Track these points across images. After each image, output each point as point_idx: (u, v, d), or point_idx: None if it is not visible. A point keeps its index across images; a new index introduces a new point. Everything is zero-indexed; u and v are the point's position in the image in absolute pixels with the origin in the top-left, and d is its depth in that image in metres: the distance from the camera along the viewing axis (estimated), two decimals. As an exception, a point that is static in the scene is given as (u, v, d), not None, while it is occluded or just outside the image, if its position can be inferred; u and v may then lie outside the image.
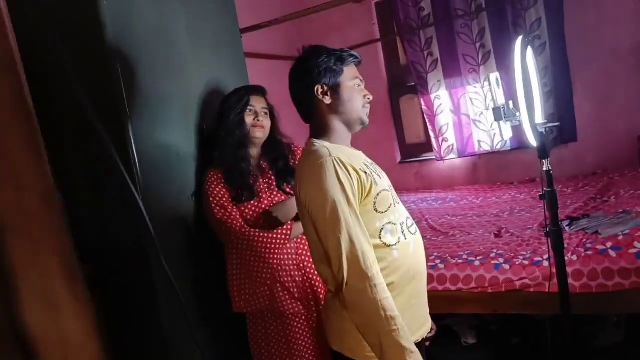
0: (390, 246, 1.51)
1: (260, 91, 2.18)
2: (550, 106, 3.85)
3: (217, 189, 2.08)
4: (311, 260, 2.12)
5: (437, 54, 4.26)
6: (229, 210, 2.05)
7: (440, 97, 4.32)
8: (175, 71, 2.13)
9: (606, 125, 3.92)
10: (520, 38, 1.48)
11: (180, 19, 2.24)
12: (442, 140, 4.37)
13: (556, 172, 1.65)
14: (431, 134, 4.42)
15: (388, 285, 1.46)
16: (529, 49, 1.49)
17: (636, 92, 3.76)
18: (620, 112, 3.87)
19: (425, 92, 4.35)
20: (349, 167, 1.47)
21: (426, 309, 1.68)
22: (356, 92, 1.58)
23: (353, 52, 1.60)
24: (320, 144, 1.53)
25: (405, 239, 1.56)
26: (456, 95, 4.30)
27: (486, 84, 4.10)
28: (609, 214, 2.82)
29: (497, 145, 4.22)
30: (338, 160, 1.45)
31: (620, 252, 2.34)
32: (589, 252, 2.41)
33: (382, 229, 1.51)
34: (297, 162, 2.19)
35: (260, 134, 2.12)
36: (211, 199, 2.07)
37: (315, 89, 1.54)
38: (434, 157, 4.47)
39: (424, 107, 4.40)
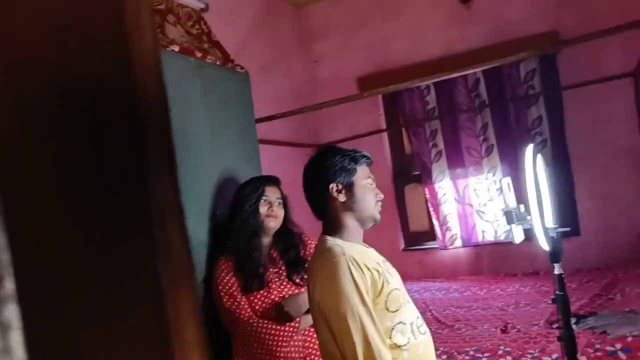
0: (401, 347, 1.50)
1: (274, 181, 2.24)
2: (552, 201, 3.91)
3: (227, 278, 2.09)
4: (318, 353, 2.09)
5: (441, 146, 4.39)
6: (238, 300, 2.06)
7: (444, 186, 4.41)
8: (192, 160, 2.21)
9: (607, 221, 3.97)
10: (530, 146, 1.56)
11: (200, 109, 2.35)
12: (446, 229, 4.41)
13: (563, 263, 1.67)
14: (435, 222, 4.47)
15: None
16: (539, 157, 1.56)
17: (635, 189, 3.84)
18: (621, 209, 3.93)
19: (429, 181, 4.44)
20: (363, 265, 1.49)
21: None
22: (369, 191, 1.63)
23: (365, 153, 1.66)
24: (333, 242, 1.56)
25: (416, 339, 1.55)
26: (460, 186, 4.38)
27: (490, 175, 4.20)
28: (616, 312, 2.81)
29: (500, 235, 4.25)
30: (352, 259, 1.47)
31: (630, 354, 2.32)
32: (599, 354, 2.38)
33: (393, 328, 1.51)
34: (306, 253, 2.22)
35: (274, 224, 2.16)
36: (220, 287, 2.08)
37: (331, 188, 1.59)
38: (438, 246, 4.49)
39: (428, 196, 4.47)
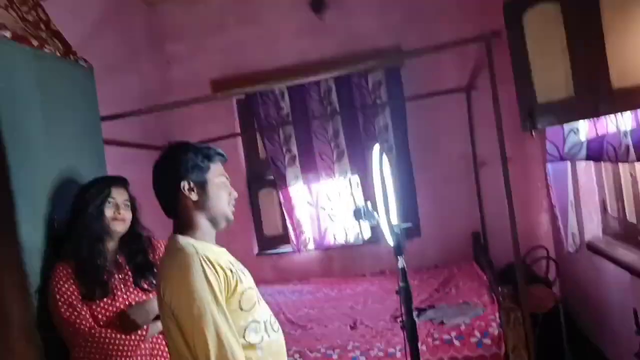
0: (254, 345, 1.50)
1: (121, 182, 2.11)
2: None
3: (66, 286, 1.93)
4: None
5: (295, 151, 4.47)
6: (78, 310, 1.90)
7: (298, 191, 4.49)
8: (25, 159, 2.01)
9: (444, 223, 4.33)
10: (377, 145, 1.64)
11: (35, 103, 2.15)
12: (300, 233, 4.50)
13: (406, 262, 1.79)
14: (289, 226, 4.53)
15: None
16: (385, 157, 1.65)
17: (467, 194, 4.23)
18: (455, 211, 4.31)
19: (283, 185, 4.50)
20: (216, 264, 1.46)
21: None
22: (222, 189, 1.60)
23: (219, 150, 1.63)
24: (185, 241, 1.51)
25: (269, 337, 1.56)
26: (313, 190, 4.49)
27: (341, 178, 4.37)
28: (452, 304, 3.06)
29: (350, 238, 4.43)
30: (205, 258, 1.45)
31: (463, 341, 2.54)
32: (437, 342, 2.58)
33: (247, 327, 1.50)
34: (156, 257, 2.12)
35: (121, 228, 2.04)
36: (58, 296, 1.91)
37: (182, 185, 1.54)
38: (291, 250, 4.56)
39: (282, 200, 4.53)
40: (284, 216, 4.57)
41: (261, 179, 4.78)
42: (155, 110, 2.54)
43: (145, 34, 4.51)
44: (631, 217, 2.73)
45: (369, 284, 4.08)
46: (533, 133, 2.36)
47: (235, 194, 1.63)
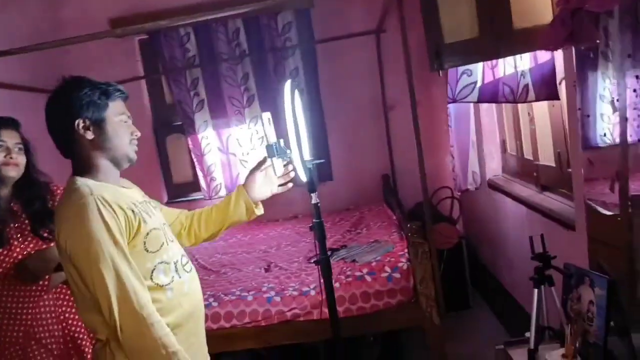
0: (164, 286, 1.47)
1: (12, 124, 1.93)
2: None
3: None
4: (74, 310, 1.92)
5: (203, 95, 4.32)
6: None
7: (208, 137, 4.37)
8: None
9: (355, 166, 4.41)
10: (289, 82, 1.61)
11: None
12: (211, 180, 4.41)
13: None
14: (199, 173, 4.43)
15: (168, 323, 1.42)
16: (296, 92, 1.62)
17: (377, 138, 4.31)
18: (366, 154, 4.39)
19: (192, 131, 4.36)
20: (114, 205, 1.40)
21: (205, 348, 1.66)
22: (122, 128, 1.51)
23: (119, 87, 1.54)
24: (82, 182, 1.43)
25: (180, 277, 1.53)
26: (223, 135, 4.39)
27: (252, 125, 4.29)
28: (362, 244, 3.15)
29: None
30: (101, 199, 1.38)
31: (374, 276, 2.63)
32: (349, 279, 2.65)
33: (155, 269, 1.46)
34: (55, 204, 1.99)
35: (14, 173, 1.87)
36: None
37: (76, 124, 1.45)
38: (203, 197, 4.47)
39: (191, 147, 4.40)
40: (194, 163, 4.45)
41: (168, 124, 4.60)
42: (44, 48, 2.32)
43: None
44: (528, 154, 2.91)
45: (282, 228, 4.11)
46: (440, 73, 2.41)
47: (138, 133, 1.55)
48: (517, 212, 2.86)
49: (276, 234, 4.00)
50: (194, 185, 4.59)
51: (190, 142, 4.39)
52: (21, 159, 1.90)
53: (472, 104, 3.13)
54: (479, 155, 3.36)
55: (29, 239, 1.89)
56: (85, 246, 1.34)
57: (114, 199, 1.42)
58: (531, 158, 2.85)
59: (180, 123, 4.46)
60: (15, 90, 3.20)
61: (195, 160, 4.42)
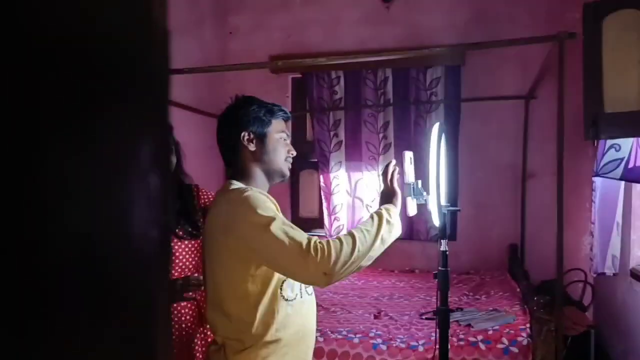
0: (288, 301, 1.51)
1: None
2: (437, 203, 4.12)
3: None
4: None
5: (342, 136, 4.45)
6: None
7: (339, 177, 4.48)
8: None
9: (482, 230, 4.24)
10: (437, 124, 1.61)
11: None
12: (334, 219, 4.48)
13: (436, 266, 1.74)
14: (325, 211, 4.52)
15: (277, 341, 1.47)
16: (443, 136, 1.61)
17: (510, 204, 4.13)
18: (495, 220, 4.22)
19: (325, 169, 4.49)
20: (273, 200, 1.51)
21: None
22: (281, 145, 1.63)
23: (283, 108, 1.68)
24: (239, 184, 1.56)
25: (302, 297, 1.56)
26: (353, 178, 4.47)
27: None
28: (480, 309, 2.99)
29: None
30: (260, 191, 1.50)
31: (489, 345, 2.48)
32: (462, 343, 2.52)
33: (285, 281, 1.50)
34: (202, 202, 2.12)
35: None
36: None
37: (242, 135, 1.58)
38: (324, 234, 4.55)
39: (322, 184, 4.52)
40: (322, 200, 4.56)
41: (305, 160, 4.78)
42: (212, 70, 2.55)
43: (211, 2, 4.55)
44: (683, 247, 2.62)
45: (397, 279, 4.03)
46: (595, 143, 2.28)
47: (293, 152, 1.67)
48: (663, 309, 2.56)
49: (390, 284, 3.93)
50: (318, 222, 4.69)
51: (322, 180, 4.52)
52: (172, 159, 2.00)
53: (623, 182, 2.91)
54: (623, 240, 3.08)
55: (180, 233, 1.96)
56: (260, 227, 1.39)
57: (269, 196, 1.53)
58: (687, 252, 2.56)
59: (315, 160, 4.61)
60: (180, 108, 3.53)
61: (323, 197, 4.53)
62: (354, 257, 1.38)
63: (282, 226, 1.39)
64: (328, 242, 1.38)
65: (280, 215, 1.44)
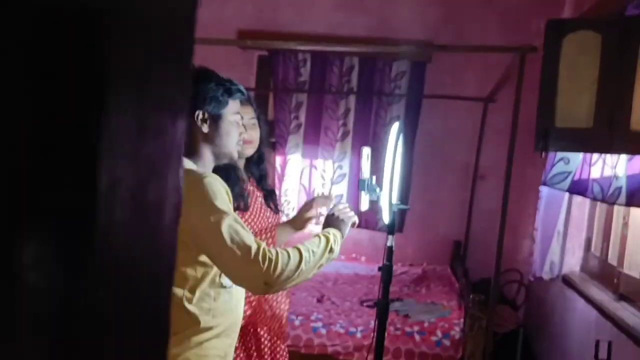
0: (226, 288, 1.47)
1: (247, 99, 1.86)
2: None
3: None
4: None
5: (302, 119, 4.47)
6: None
7: (294, 159, 4.50)
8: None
9: (429, 225, 4.37)
10: (397, 123, 1.65)
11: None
12: (285, 202, 4.51)
13: (382, 255, 1.80)
14: (277, 191, 4.54)
15: (211, 328, 1.42)
16: (401, 136, 1.66)
17: (459, 203, 4.27)
18: (443, 217, 4.35)
19: (282, 151, 4.50)
20: (224, 184, 1.44)
21: None
22: (234, 128, 1.55)
23: (241, 87, 1.57)
24: (190, 165, 1.47)
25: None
26: (309, 163, 4.51)
27: (338, 159, 4.37)
28: (419, 301, 3.10)
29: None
30: (212, 176, 1.42)
31: (424, 337, 2.58)
32: (398, 332, 2.62)
33: None
34: None
35: (250, 150, 1.89)
36: None
37: (196, 114, 1.47)
38: (275, 214, 4.57)
39: (277, 165, 4.53)
40: (274, 180, 4.58)
41: (263, 139, 4.77)
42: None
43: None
44: (612, 259, 2.78)
45: (343, 265, 4.12)
46: (542, 155, 2.38)
47: (245, 135, 1.60)
48: (587, 314, 2.72)
49: (335, 269, 4.01)
50: (270, 202, 4.71)
51: (277, 161, 4.53)
52: (255, 135, 1.89)
53: (567, 193, 3.05)
54: (561, 246, 3.24)
55: (263, 209, 1.92)
56: (211, 220, 1.34)
57: (222, 181, 1.45)
58: (615, 264, 2.72)
59: (273, 140, 4.61)
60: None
61: (276, 179, 4.55)
62: (296, 275, 1.37)
63: (233, 224, 1.35)
64: (277, 253, 1.35)
65: (232, 211, 1.39)
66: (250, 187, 1.91)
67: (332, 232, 1.55)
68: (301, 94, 4.45)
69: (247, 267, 1.33)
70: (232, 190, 1.68)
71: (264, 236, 1.77)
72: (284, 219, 4.32)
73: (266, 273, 1.32)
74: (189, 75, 0.39)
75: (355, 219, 1.71)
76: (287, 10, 4.49)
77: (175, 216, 0.40)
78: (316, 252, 1.44)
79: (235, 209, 1.72)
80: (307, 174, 4.53)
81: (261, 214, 1.91)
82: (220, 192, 1.39)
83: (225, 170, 1.74)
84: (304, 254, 1.40)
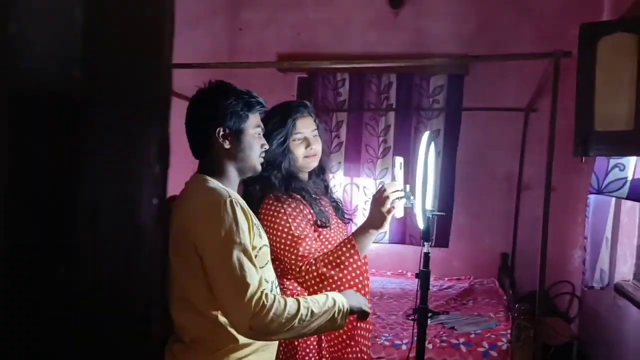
0: None
1: (307, 110, 1.87)
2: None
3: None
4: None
5: (343, 138, 4.53)
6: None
7: (337, 178, 4.55)
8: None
9: (475, 238, 4.32)
10: (427, 133, 1.69)
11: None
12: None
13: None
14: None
15: (253, 344, 1.43)
16: (432, 144, 1.69)
17: (504, 213, 4.21)
18: (488, 229, 4.30)
19: (330, 170, 4.55)
20: (247, 211, 1.44)
21: None
22: (256, 141, 1.54)
23: (261, 100, 1.55)
24: (216, 184, 1.48)
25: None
26: (351, 181, 4.55)
27: (381, 176, 4.40)
28: (466, 314, 3.07)
29: (377, 236, 4.46)
30: (237, 202, 1.41)
31: (470, 348, 2.56)
32: (444, 344, 2.60)
33: None
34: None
35: (315, 163, 1.85)
36: None
37: (217, 131, 1.47)
38: (320, 232, 4.62)
39: (320, 184, 4.59)
40: (320, 199, 4.64)
41: (306, 159, 4.85)
42: (220, 67, 2.63)
43: (224, -5, 4.63)
44: (666, 265, 2.69)
45: (388, 280, 4.12)
46: (583, 160, 2.35)
47: (266, 146, 1.58)
48: (642, 324, 2.64)
49: (380, 285, 4.01)
50: (315, 220, 4.76)
51: (320, 179, 4.59)
52: (319, 148, 1.85)
53: (613, 199, 2.98)
54: (611, 255, 3.15)
55: (337, 221, 1.91)
56: (221, 244, 1.36)
57: (244, 206, 1.46)
58: (669, 270, 2.64)
59: (315, 159, 4.68)
60: (186, 100, 3.61)
61: (321, 197, 4.60)
62: (285, 330, 1.34)
63: (242, 257, 1.35)
64: (274, 300, 1.33)
65: (247, 240, 1.39)
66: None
67: (341, 301, 1.45)
68: (341, 112, 4.52)
69: (238, 304, 1.32)
70: (312, 209, 1.75)
71: (344, 249, 1.71)
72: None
73: (254, 317, 1.30)
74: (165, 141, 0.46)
75: (400, 211, 1.70)
76: (324, 32, 4.59)
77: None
78: (315, 313, 1.38)
79: (319, 226, 1.76)
80: (349, 192, 4.57)
81: (338, 228, 1.89)
82: (240, 217, 1.39)
83: (296, 190, 1.76)
84: (302, 310, 1.35)
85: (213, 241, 1.38)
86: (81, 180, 0.39)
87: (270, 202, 1.72)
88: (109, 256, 0.42)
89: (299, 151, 1.79)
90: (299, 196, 1.75)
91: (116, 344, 0.43)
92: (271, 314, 1.31)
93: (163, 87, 0.45)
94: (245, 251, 1.37)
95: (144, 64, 0.45)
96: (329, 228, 1.80)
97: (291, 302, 1.36)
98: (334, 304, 1.43)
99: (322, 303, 1.41)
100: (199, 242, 1.38)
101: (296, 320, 1.34)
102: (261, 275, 1.39)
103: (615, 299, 3.08)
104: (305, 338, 1.73)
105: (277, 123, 1.75)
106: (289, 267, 1.69)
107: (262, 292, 1.33)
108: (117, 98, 0.43)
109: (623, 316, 2.96)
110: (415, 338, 1.77)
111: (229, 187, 1.50)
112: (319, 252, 1.70)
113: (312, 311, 1.37)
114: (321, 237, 1.78)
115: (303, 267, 1.65)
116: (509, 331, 2.63)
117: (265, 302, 1.31)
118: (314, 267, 1.65)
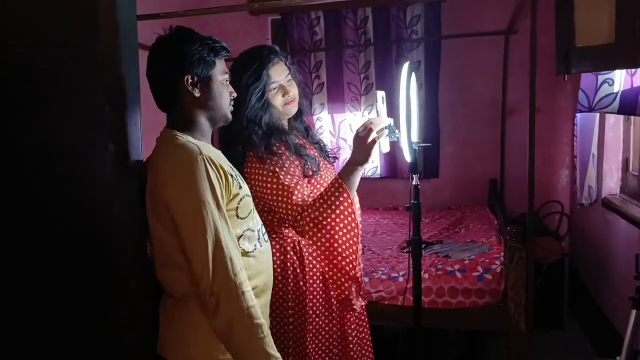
0: (248, 253, 1.48)
1: (277, 55, 1.82)
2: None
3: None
4: None
5: (323, 78, 4.46)
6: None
7: (322, 119, 4.52)
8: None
9: (463, 166, 4.35)
10: (407, 64, 1.65)
11: None
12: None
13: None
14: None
15: (252, 289, 1.42)
16: (413, 75, 1.66)
17: (491, 140, 4.21)
18: (476, 156, 4.31)
19: (308, 112, 4.50)
20: (219, 166, 1.40)
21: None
22: (225, 88, 1.50)
23: (225, 45, 1.50)
24: (187, 139, 1.43)
25: (261, 246, 1.54)
26: (336, 120, 4.52)
27: (366, 112, 4.37)
28: (458, 242, 3.13)
29: (368, 171, 4.48)
30: (209, 159, 1.37)
31: (465, 274, 2.61)
32: (439, 272, 2.65)
33: (242, 235, 1.47)
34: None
35: (294, 109, 1.87)
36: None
37: (185, 79, 1.41)
38: (309, 176, 4.62)
39: (305, 126, 4.55)
40: (306, 142, 4.61)
41: (287, 102, 4.79)
42: (189, 15, 2.53)
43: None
44: (651, 175, 2.73)
45: (381, 216, 4.16)
46: (565, 78, 2.33)
47: (234, 94, 1.54)
48: (630, 235, 2.70)
49: (374, 221, 4.05)
50: (303, 164, 4.75)
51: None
52: (295, 92, 1.84)
53: (597, 115, 2.98)
54: (598, 171, 3.18)
55: (322, 163, 1.91)
56: (191, 205, 1.34)
57: (218, 159, 1.41)
58: (655, 180, 2.67)
59: (298, 102, 4.62)
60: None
61: (307, 139, 4.58)
62: (238, 316, 1.35)
63: (213, 215, 1.35)
64: (238, 284, 1.35)
65: (220, 198, 1.37)
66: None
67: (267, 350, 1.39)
68: (319, 52, 4.43)
69: (206, 267, 1.34)
70: (302, 159, 1.75)
71: (332, 189, 1.71)
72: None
73: (219, 282, 1.33)
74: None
75: (385, 145, 1.71)
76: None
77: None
78: (253, 324, 1.37)
79: (309, 175, 1.77)
80: (336, 130, 4.54)
81: (326, 168, 1.91)
82: (213, 174, 1.37)
83: (279, 144, 1.74)
84: (254, 313, 1.36)
85: (183, 202, 1.36)
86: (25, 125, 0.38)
87: (255, 159, 1.72)
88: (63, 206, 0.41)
89: (277, 100, 1.79)
90: (281, 151, 1.75)
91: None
92: (233, 292, 1.34)
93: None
94: (217, 209, 1.36)
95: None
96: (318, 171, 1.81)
97: (250, 292, 1.38)
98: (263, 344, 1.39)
99: (259, 328, 1.38)
100: (170, 202, 1.37)
101: (246, 316, 1.36)
102: (235, 240, 1.41)
103: (604, 214, 3.14)
104: (311, 282, 1.83)
105: (252, 77, 1.72)
106: (285, 217, 1.72)
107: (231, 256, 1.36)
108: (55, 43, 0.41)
109: (611, 230, 3.02)
110: (411, 269, 1.81)
111: (201, 139, 1.47)
112: (311, 198, 1.72)
113: (257, 321, 1.38)
114: (312, 180, 1.80)
115: (298, 216, 1.68)
116: (501, 254, 2.68)
117: (234, 277, 1.35)
118: (306, 213, 1.68)
